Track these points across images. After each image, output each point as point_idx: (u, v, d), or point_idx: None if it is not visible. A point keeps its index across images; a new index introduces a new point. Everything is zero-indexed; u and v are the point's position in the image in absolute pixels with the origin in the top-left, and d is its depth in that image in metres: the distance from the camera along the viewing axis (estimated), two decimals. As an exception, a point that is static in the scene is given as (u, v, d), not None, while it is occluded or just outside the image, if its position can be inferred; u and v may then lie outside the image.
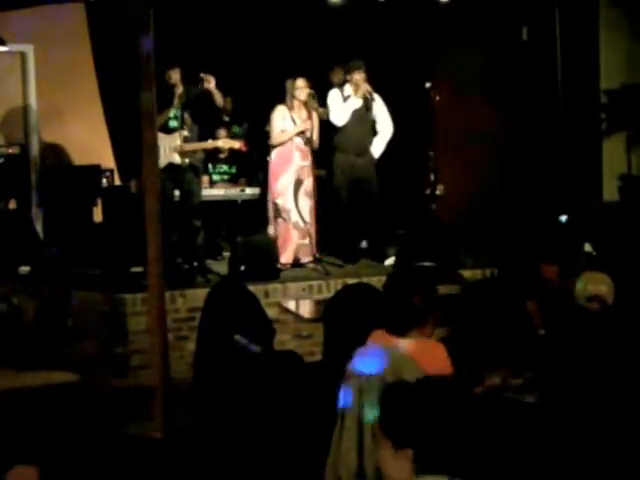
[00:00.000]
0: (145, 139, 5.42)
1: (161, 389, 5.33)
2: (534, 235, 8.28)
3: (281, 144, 8.32)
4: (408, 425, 2.30)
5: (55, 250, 8.41)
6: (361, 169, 8.53)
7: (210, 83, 7.93)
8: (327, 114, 8.51)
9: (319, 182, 8.53)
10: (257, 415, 4.34)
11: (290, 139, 8.29)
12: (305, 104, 8.25)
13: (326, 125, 8.50)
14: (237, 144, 8.72)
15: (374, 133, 8.65)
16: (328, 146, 8.56)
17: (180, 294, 7.22)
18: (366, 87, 8.43)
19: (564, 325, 4.61)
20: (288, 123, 8.29)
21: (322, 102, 8.53)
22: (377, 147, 8.65)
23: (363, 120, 8.54)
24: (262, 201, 8.97)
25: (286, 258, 8.22)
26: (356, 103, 8.48)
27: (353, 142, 8.51)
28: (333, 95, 8.54)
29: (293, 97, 8.25)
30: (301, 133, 8.30)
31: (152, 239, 5.32)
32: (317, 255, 8.26)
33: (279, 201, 8.32)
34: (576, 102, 9.46)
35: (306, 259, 8.29)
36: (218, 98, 8.06)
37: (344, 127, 8.47)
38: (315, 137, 8.33)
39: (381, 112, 8.62)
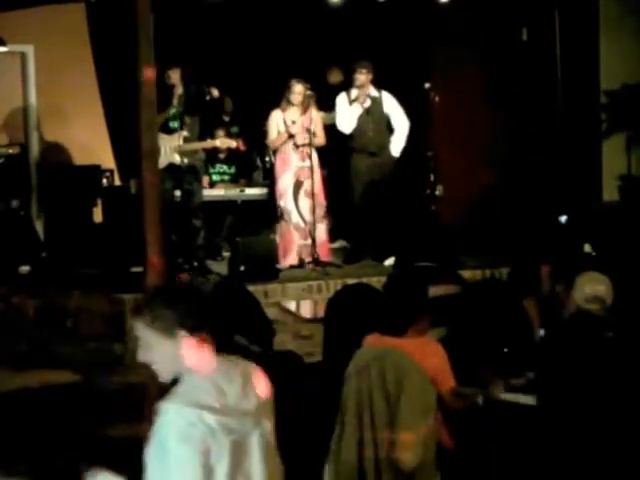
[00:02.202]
0: (145, 140, 5.42)
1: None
2: (534, 235, 8.28)
3: (278, 147, 8.34)
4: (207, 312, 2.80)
5: (47, 254, 8.43)
6: (377, 167, 8.53)
7: (213, 94, 7.98)
8: (332, 119, 8.52)
9: (327, 182, 8.53)
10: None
11: (286, 141, 8.29)
12: (302, 105, 8.25)
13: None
14: (234, 143, 8.74)
15: (390, 130, 8.64)
16: (339, 147, 8.56)
17: (180, 294, 7.20)
18: (364, 92, 8.42)
19: (563, 325, 4.61)
20: (282, 126, 8.29)
21: (323, 103, 8.53)
22: (396, 144, 8.61)
23: (372, 120, 8.52)
24: (262, 201, 8.97)
25: (291, 259, 8.23)
26: (362, 105, 8.48)
27: (367, 142, 8.50)
28: (339, 101, 8.54)
29: (288, 101, 8.26)
30: (296, 134, 8.28)
31: (152, 239, 5.33)
32: (316, 255, 8.26)
33: (281, 202, 8.34)
34: (576, 102, 9.46)
35: (310, 259, 8.29)
36: (216, 94, 8.10)
37: (355, 129, 8.47)
38: (319, 134, 8.32)
39: (392, 108, 8.60)
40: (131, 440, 5.36)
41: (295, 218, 8.29)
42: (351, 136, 8.53)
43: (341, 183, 8.73)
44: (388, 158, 8.59)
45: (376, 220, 8.54)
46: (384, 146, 8.58)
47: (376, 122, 8.54)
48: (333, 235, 9.02)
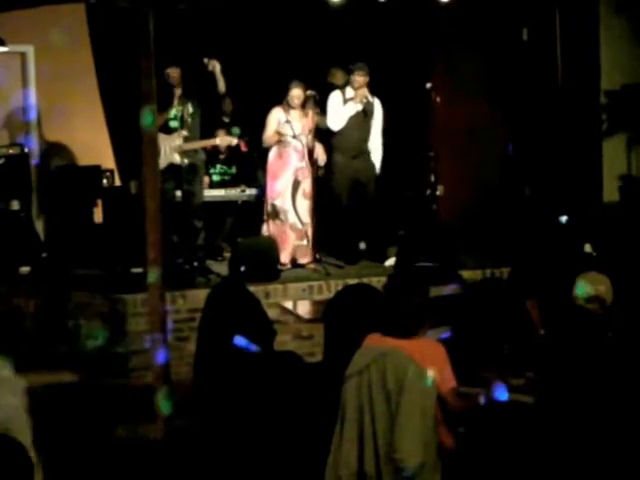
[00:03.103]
0: (145, 140, 5.41)
1: (161, 390, 5.32)
2: (534, 235, 8.28)
3: (271, 145, 8.33)
4: None
5: (47, 255, 8.44)
6: (359, 170, 8.53)
7: (215, 67, 7.92)
8: (324, 123, 8.51)
9: (319, 183, 8.53)
10: (257, 415, 4.35)
11: (285, 140, 8.28)
12: (303, 107, 8.26)
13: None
14: (234, 140, 8.73)
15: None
16: (327, 147, 8.57)
17: (181, 295, 7.22)
18: (363, 92, 8.42)
19: (564, 325, 4.61)
20: (282, 124, 8.29)
21: (324, 104, 8.53)
22: (376, 153, 8.65)
23: (363, 122, 8.53)
24: (262, 202, 8.97)
25: (283, 259, 8.22)
26: (357, 106, 8.49)
27: (352, 144, 8.51)
28: (332, 98, 8.53)
29: (287, 102, 8.26)
30: (298, 135, 8.28)
31: (152, 239, 5.31)
32: (317, 256, 8.26)
33: (277, 202, 8.32)
34: (576, 102, 9.46)
35: (304, 260, 8.29)
36: (221, 84, 8.04)
37: (344, 128, 8.47)
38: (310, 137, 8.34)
39: (378, 118, 8.61)
40: (131, 441, 5.36)
41: (292, 218, 8.28)
42: (336, 134, 8.51)
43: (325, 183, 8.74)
44: (369, 163, 8.59)
45: (362, 220, 8.55)
46: (366, 149, 8.58)
47: (363, 125, 8.55)
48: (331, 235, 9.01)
